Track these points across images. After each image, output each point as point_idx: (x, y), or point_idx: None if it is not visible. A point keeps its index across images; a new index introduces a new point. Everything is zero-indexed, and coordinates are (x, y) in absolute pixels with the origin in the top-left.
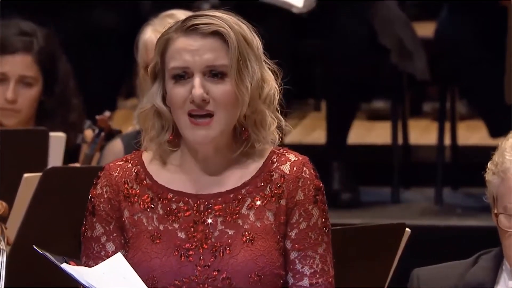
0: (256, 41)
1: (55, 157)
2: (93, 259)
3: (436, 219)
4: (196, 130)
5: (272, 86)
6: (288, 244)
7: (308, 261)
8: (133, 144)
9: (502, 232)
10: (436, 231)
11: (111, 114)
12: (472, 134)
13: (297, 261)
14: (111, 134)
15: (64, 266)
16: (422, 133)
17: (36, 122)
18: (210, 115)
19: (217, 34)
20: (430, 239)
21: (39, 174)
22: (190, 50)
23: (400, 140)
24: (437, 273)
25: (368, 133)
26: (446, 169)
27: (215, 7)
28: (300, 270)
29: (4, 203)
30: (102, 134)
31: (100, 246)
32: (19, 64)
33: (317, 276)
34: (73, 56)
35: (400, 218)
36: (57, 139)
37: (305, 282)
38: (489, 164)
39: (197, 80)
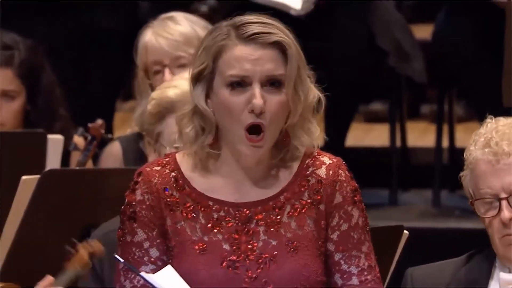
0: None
1: (53, 160)
2: (134, 263)
3: (434, 221)
4: (251, 147)
5: (315, 93)
6: (331, 247)
7: (353, 260)
8: (141, 146)
9: (483, 222)
10: (434, 233)
11: (103, 122)
12: (470, 136)
13: (342, 262)
14: (104, 142)
15: (143, 274)
16: (420, 135)
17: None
18: (261, 129)
19: (276, 44)
20: (428, 241)
21: (37, 176)
22: (250, 60)
23: (398, 142)
24: (431, 271)
25: (366, 135)
26: (444, 171)
27: (213, 8)
28: (347, 270)
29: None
30: (95, 142)
31: (143, 251)
32: (0, 78)
33: (365, 273)
34: (72, 58)
35: (398, 220)
36: (55, 142)
37: (354, 280)
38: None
39: (257, 90)
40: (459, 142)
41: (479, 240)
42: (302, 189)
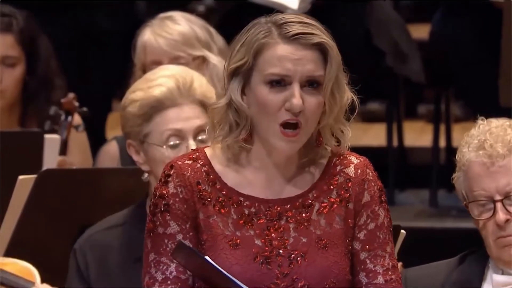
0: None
1: (50, 159)
2: (166, 255)
3: (431, 221)
4: (286, 141)
5: (349, 95)
6: (357, 245)
7: (379, 260)
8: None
9: (477, 224)
10: (431, 233)
11: (74, 95)
12: None
13: (368, 261)
14: (82, 116)
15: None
16: (417, 135)
17: (21, 103)
18: (298, 125)
19: (318, 45)
20: (425, 241)
21: (34, 176)
22: (292, 59)
23: (395, 142)
24: (424, 273)
25: (364, 134)
26: (441, 171)
27: (210, 8)
28: (373, 269)
29: None
30: (70, 116)
31: (176, 243)
32: (1, 44)
33: (390, 273)
34: (69, 58)
35: (395, 220)
36: (52, 141)
37: (380, 279)
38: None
39: (296, 90)
40: (456, 142)
41: (476, 240)
42: (331, 187)
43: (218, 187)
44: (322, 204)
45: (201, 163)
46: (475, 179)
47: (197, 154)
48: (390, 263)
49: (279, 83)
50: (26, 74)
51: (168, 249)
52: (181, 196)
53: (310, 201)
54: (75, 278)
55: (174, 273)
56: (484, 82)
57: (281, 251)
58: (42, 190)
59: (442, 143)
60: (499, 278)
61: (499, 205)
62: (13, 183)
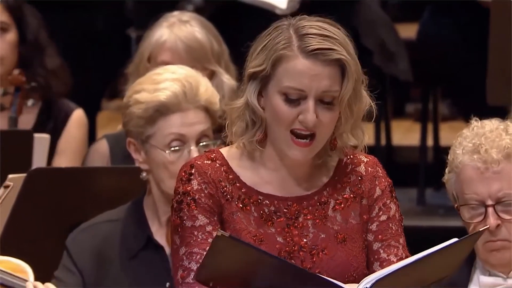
0: (356, 54)
1: (40, 158)
2: (197, 245)
3: (419, 219)
4: (296, 149)
5: (367, 102)
6: (370, 237)
7: (392, 250)
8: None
9: (467, 226)
10: (419, 231)
11: (20, 70)
12: (455, 134)
13: (381, 251)
14: (29, 90)
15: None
16: (405, 134)
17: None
18: (312, 136)
19: (337, 61)
20: (413, 239)
21: (24, 174)
22: (310, 75)
23: (383, 141)
24: None
25: None
26: (428, 169)
27: (198, 8)
28: (387, 258)
29: None
30: (19, 92)
31: (206, 234)
32: None
33: None
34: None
35: None
36: (42, 140)
37: None
38: (446, 169)
39: (311, 105)
40: (443, 141)
41: None
42: (344, 185)
43: (237, 186)
44: (337, 201)
45: (219, 163)
46: (468, 182)
47: (214, 154)
48: (404, 254)
49: (294, 96)
50: (19, 42)
51: (199, 240)
52: (206, 191)
53: (325, 198)
54: (66, 267)
55: None
56: (472, 81)
57: (302, 247)
58: (31, 189)
59: (430, 142)
60: (486, 279)
61: (490, 210)
62: (3, 182)
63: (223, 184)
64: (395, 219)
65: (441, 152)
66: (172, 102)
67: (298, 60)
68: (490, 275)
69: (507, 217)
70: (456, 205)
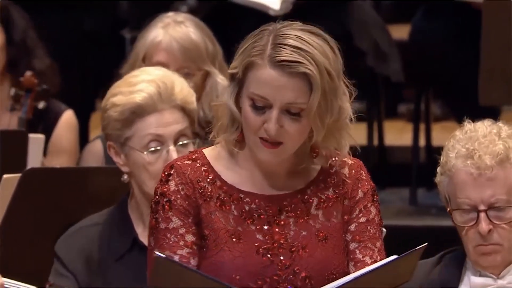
0: (338, 66)
1: (34, 158)
2: (169, 248)
3: (411, 219)
4: (265, 151)
5: (348, 114)
6: (348, 237)
7: (368, 251)
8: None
9: (459, 229)
10: (411, 231)
11: (32, 72)
12: (447, 135)
13: (357, 251)
14: (40, 93)
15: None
16: (397, 134)
17: (5, 72)
18: (278, 144)
19: (304, 74)
20: (405, 239)
21: (18, 175)
22: (274, 85)
23: (375, 141)
24: None
25: None
26: (421, 169)
27: (192, 9)
28: (362, 259)
29: None
30: (31, 94)
31: (179, 236)
32: None
33: None
34: (51, 58)
35: None
36: (36, 140)
37: None
38: (438, 169)
39: (274, 115)
40: (435, 141)
41: (455, 238)
42: (328, 185)
43: (218, 185)
44: (320, 200)
45: (200, 162)
46: (461, 186)
47: (196, 155)
48: (379, 258)
49: (260, 103)
50: (6, 44)
51: (171, 242)
52: (182, 193)
53: (308, 196)
54: (58, 272)
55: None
56: (464, 81)
57: (282, 244)
58: (26, 189)
59: (422, 142)
60: (476, 280)
61: (482, 215)
62: None
63: (201, 184)
64: (374, 223)
65: (433, 152)
66: (147, 104)
67: (265, 70)
68: (480, 275)
69: (499, 222)
70: (448, 209)
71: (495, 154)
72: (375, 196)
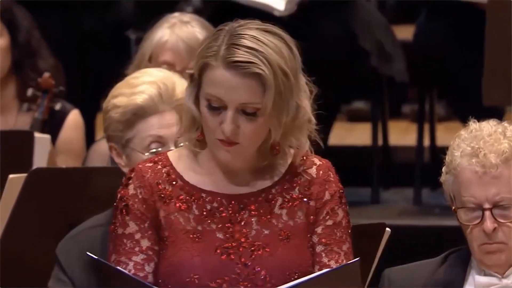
0: (295, 65)
1: (40, 158)
2: (125, 254)
3: (415, 219)
4: (223, 151)
5: (306, 112)
6: (314, 239)
7: (333, 255)
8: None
9: (464, 228)
10: (415, 230)
11: (50, 74)
12: (451, 135)
13: (323, 254)
14: (56, 95)
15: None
16: (402, 134)
17: (11, 73)
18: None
19: (257, 74)
20: (409, 239)
21: (24, 175)
22: (227, 86)
23: (380, 141)
24: (407, 272)
25: (348, 134)
26: (425, 169)
27: (197, 9)
28: (327, 263)
29: None
30: (48, 95)
31: (134, 242)
32: None
33: None
34: (56, 58)
35: (380, 218)
36: (42, 140)
37: None
38: (443, 168)
39: (229, 115)
40: (440, 141)
41: (459, 237)
42: (293, 185)
43: (179, 185)
44: (285, 199)
45: (162, 164)
46: (466, 185)
47: (160, 157)
48: (344, 262)
49: (216, 104)
50: (11, 46)
51: (127, 248)
52: (140, 196)
53: (272, 195)
54: (57, 277)
55: (132, 271)
56: (468, 82)
57: (243, 243)
58: (32, 189)
59: (426, 142)
60: (481, 279)
61: (487, 213)
62: (3, 182)
63: (161, 186)
64: (341, 226)
65: (438, 152)
66: (148, 105)
67: (219, 70)
68: (485, 275)
69: (504, 220)
70: (453, 207)
71: (500, 152)
72: (343, 199)
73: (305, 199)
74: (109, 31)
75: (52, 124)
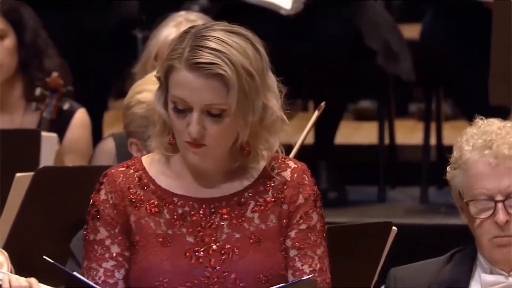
0: (262, 65)
1: (47, 157)
2: (95, 261)
3: (421, 217)
4: (191, 153)
5: (274, 112)
6: (288, 243)
7: (307, 260)
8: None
9: (471, 221)
10: (422, 229)
11: (59, 73)
12: (457, 134)
13: (296, 259)
14: (64, 95)
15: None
16: (408, 133)
17: (17, 73)
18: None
19: (220, 75)
20: (416, 238)
21: (31, 173)
22: (191, 88)
23: (386, 140)
24: (413, 271)
25: (355, 133)
26: (431, 168)
27: (204, 8)
28: (300, 268)
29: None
30: (56, 94)
31: (104, 248)
32: None
33: (316, 274)
34: (64, 57)
35: (386, 217)
36: (49, 139)
37: None
38: (448, 167)
39: (194, 117)
40: (446, 140)
41: (465, 236)
42: (267, 188)
43: (151, 190)
44: (257, 203)
45: (134, 169)
46: (477, 178)
47: (133, 161)
48: (318, 265)
49: (181, 106)
50: (18, 46)
51: (97, 254)
52: (111, 202)
53: (245, 199)
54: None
55: (103, 278)
56: (474, 81)
57: (213, 247)
58: (39, 188)
59: (433, 141)
60: (487, 277)
61: (500, 205)
62: (10, 181)
63: (132, 191)
64: (316, 230)
65: (444, 151)
66: None
67: (182, 73)
68: (491, 273)
69: None
70: (460, 204)
71: None
72: (317, 202)
73: (278, 203)
74: (115, 30)
75: (59, 123)
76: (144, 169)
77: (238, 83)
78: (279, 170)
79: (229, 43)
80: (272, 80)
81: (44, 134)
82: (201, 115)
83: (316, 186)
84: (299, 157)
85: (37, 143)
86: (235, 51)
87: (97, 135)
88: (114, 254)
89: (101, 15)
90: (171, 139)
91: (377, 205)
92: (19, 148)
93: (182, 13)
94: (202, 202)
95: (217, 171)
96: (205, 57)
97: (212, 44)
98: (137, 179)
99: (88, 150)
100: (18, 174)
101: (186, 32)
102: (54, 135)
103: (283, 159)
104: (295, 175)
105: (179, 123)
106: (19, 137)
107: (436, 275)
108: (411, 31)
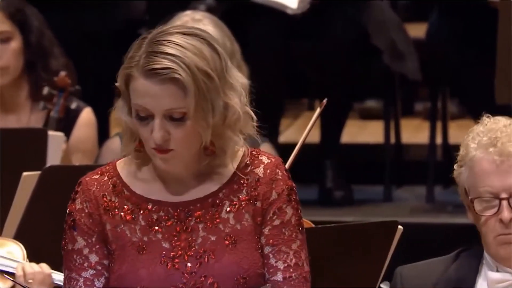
0: (220, 65)
1: (54, 156)
2: (75, 270)
3: (427, 216)
4: (159, 159)
5: (236, 110)
6: (262, 240)
7: (281, 256)
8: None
9: (477, 219)
10: (428, 228)
11: (66, 73)
12: (463, 133)
13: (271, 256)
14: (72, 94)
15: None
16: (414, 132)
17: (23, 74)
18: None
19: (176, 79)
20: (422, 237)
21: (38, 172)
22: (150, 95)
23: (392, 139)
24: (419, 270)
25: (361, 132)
26: (437, 167)
27: (210, 8)
28: (274, 265)
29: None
30: (63, 94)
31: (83, 258)
32: None
33: (291, 270)
34: (70, 56)
35: (392, 216)
36: (56, 138)
37: (279, 276)
38: (455, 165)
39: (157, 123)
40: (452, 139)
41: (471, 235)
42: (241, 187)
43: (125, 196)
44: (232, 203)
45: (108, 175)
46: (482, 175)
47: (107, 167)
48: (293, 261)
49: (143, 113)
50: (23, 47)
51: (77, 264)
52: (86, 211)
53: (219, 200)
54: None
55: (83, 287)
56: (480, 80)
57: (188, 252)
58: (46, 187)
59: (439, 140)
60: (494, 275)
61: (505, 203)
62: (17, 180)
63: (106, 198)
64: (290, 224)
65: (450, 150)
66: None
67: (139, 80)
68: (497, 271)
69: None
70: (470, 198)
71: None
72: (292, 196)
73: (251, 201)
74: (122, 29)
75: (66, 122)
76: (118, 175)
77: (194, 85)
78: (252, 167)
79: (184, 46)
80: (234, 78)
81: (51, 133)
82: (163, 121)
83: (291, 180)
84: (302, 154)
85: (44, 142)
86: (190, 53)
87: (104, 133)
88: (93, 263)
89: (106, 15)
90: (137, 145)
91: (383, 204)
92: (26, 147)
93: (188, 12)
94: (177, 206)
95: (189, 174)
96: (160, 62)
97: (167, 49)
98: (111, 186)
99: (95, 149)
100: (25, 173)
101: (143, 38)
102: (61, 134)
103: (257, 155)
104: (268, 171)
105: (144, 130)
106: (26, 136)
107: (442, 273)
108: (417, 30)
